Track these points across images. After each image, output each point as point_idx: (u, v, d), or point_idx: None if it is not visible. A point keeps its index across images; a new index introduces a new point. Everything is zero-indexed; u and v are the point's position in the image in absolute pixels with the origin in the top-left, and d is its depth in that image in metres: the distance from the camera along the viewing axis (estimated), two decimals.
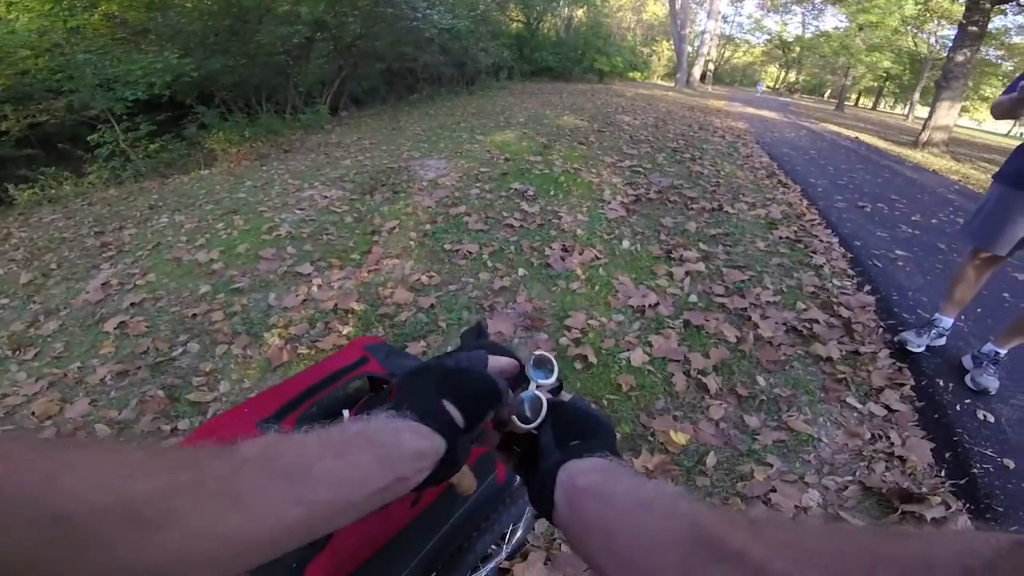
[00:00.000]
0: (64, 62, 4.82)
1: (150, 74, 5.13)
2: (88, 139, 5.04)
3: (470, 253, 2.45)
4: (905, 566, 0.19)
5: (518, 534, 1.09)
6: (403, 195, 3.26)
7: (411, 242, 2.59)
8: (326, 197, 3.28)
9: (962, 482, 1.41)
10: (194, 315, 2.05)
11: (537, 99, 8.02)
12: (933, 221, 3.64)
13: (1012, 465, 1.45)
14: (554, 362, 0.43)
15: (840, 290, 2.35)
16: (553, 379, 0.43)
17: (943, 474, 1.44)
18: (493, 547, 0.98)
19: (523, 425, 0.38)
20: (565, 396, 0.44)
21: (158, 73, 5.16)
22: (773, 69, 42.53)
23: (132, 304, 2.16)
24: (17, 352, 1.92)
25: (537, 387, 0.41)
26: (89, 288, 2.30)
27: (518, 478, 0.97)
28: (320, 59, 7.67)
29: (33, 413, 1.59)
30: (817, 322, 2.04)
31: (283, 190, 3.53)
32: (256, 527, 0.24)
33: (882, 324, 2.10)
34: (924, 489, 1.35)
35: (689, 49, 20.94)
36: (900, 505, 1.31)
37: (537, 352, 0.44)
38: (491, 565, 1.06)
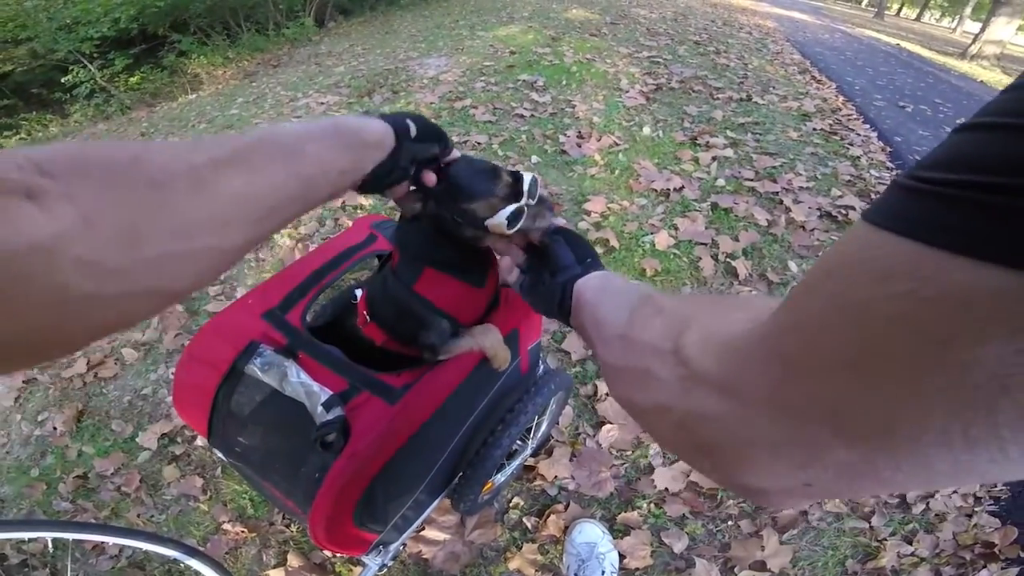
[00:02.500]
0: (14, 11, 4.56)
1: (111, 10, 4.78)
2: (63, 81, 4.80)
3: (479, 144, 2.26)
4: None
5: (543, 428, 1.06)
6: (403, 94, 2.99)
7: None
8: (322, 103, 3.04)
9: None
10: None
11: None
12: None
13: None
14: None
15: (878, 180, 2.19)
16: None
17: None
18: (519, 443, 0.96)
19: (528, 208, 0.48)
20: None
21: (120, 8, 4.80)
22: None
23: None
24: None
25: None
26: None
27: (542, 367, 0.92)
28: None
29: None
30: (853, 208, 1.92)
31: (276, 102, 3.29)
32: (264, 191, 0.28)
33: None
34: None
35: None
36: None
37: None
38: (517, 462, 1.05)
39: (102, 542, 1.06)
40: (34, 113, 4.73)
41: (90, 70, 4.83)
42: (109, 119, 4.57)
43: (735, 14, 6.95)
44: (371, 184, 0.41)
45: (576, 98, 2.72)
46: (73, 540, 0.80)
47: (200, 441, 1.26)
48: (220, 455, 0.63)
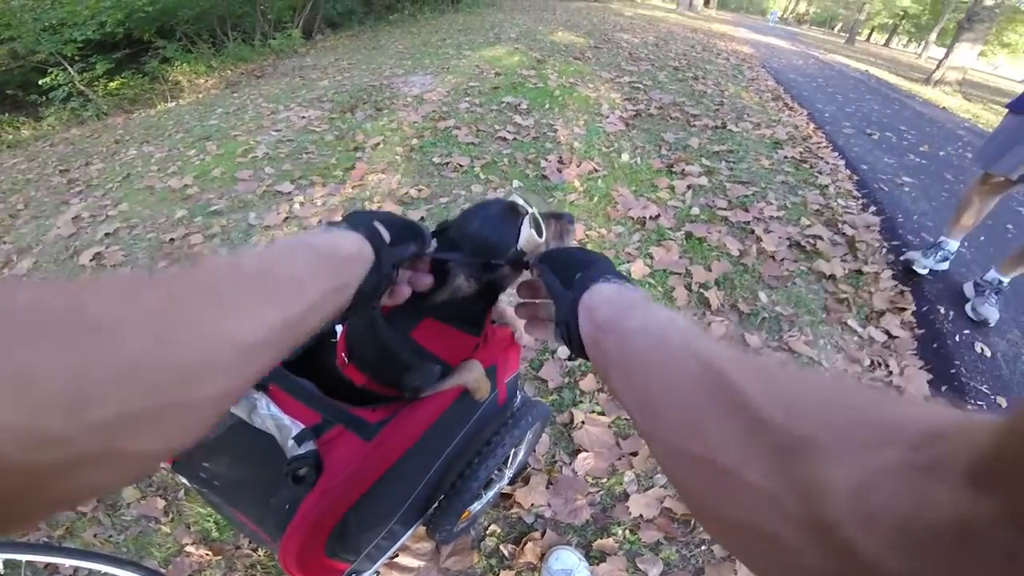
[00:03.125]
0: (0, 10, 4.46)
1: (98, 13, 4.75)
2: (40, 83, 4.72)
3: (461, 166, 2.29)
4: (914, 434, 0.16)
5: (519, 457, 1.06)
6: (387, 111, 3.01)
7: (397, 157, 2.41)
8: (303, 117, 3.04)
9: None
10: (171, 240, 1.94)
11: (529, 15, 7.32)
12: (941, 153, 3.53)
13: (1004, 404, 1.42)
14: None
15: (845, 209, 2.28)
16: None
17: None
18: (495, 473, 0.95)
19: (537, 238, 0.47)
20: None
21: (107, 11, 4.77)
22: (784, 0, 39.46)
23: (106, 235, 2.03)
24: None
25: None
26: (60, 223, 2.16)
27: (519, 398, 0.94)
28: None
29: None
30: (821, 238, 2.00)
31: (257, 114, 3.28)
32: (235, 331, 0.24)
33: (886, 244, 2.06)
34: None
35: None
36: None
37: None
38: (493, 491, 1.05)
39: (56, 564, 1.01)
40: (6, 115, 4.59)
41: (70, 73, 4.76)
42: (84, 124, 4.48)
43: (714, 40, 7.22)
44: (361, 304, 0.36)
45: (558, 122, 2.79)
46: (26, 561, 0.76)
47: (162, 464, 1.23)
48: (183, 480, 0.62)
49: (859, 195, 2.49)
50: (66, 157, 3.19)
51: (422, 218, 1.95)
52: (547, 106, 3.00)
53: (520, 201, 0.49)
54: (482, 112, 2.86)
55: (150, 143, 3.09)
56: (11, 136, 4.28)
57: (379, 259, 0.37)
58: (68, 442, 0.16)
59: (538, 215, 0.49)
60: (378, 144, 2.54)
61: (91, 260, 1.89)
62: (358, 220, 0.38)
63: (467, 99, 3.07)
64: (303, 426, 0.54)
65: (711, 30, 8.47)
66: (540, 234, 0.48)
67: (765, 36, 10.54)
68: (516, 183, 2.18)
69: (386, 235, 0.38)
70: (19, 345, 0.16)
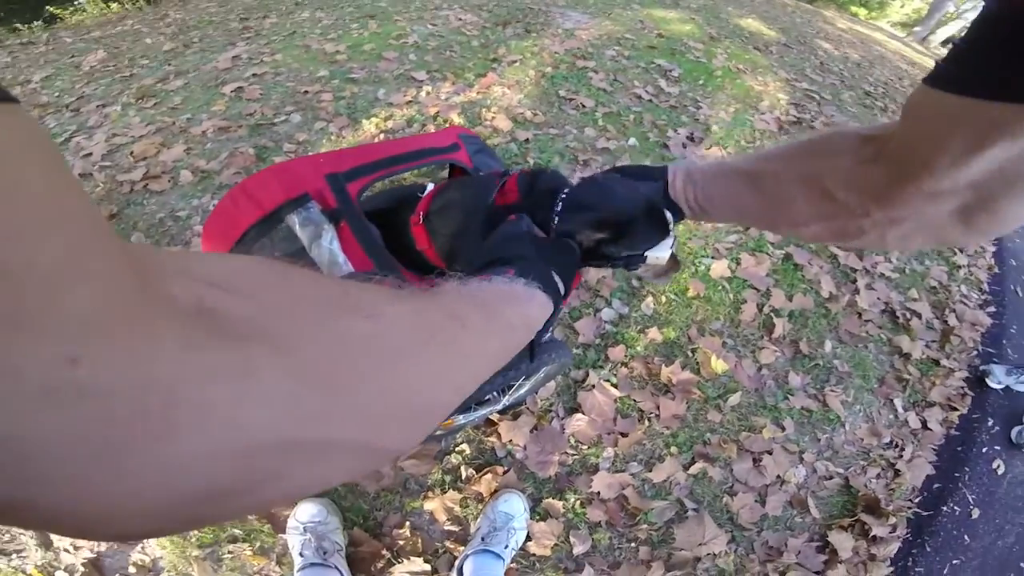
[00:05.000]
0: None
1: None
2: None
3: (583, 106, 2.20)
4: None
5: (522, 391, 1.04)
6: (535, 35, 2.95)
7: (527, 78, 2.38)
8: (460, 19, 3.08)
9: (925, 514, 1.32)
10: (305, 92, 2.11)
11: None
12: None
13: (976, 515, 1.40)
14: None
15: (962, 298, 1.93)
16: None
17: (917, 501, 1.34)
18: (494, 394, 0.95)
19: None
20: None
21: None
22: None
23: (254, 75, 2.25)
24: (140, 100, 2.10)
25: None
26: (220, 59, 2.42)
27: (550, 333, 0.91)
28: None
29: (131, 153, 1.75)
30: (919, 316, 1.73)
31: (422, 5, 3.38)
32: (477, 348, 0.26)
33: (980, 349, 1.77)
34: (890, 507, 1.25)
35: (951, 7, 15.67)
36: (860, 513, 1.23)
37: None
38: (484, 411, 1.03)
39: None
40: None
41: None
42: None
43: None
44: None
45: (706, 101, 2.54)
46: None
47: None
48: None
49: (987, 290, 2.07)
50: (250, 8, 3.54)
51: (527, 140, 1.93)
52: (701, 81, 2.73)
53: (670, 217, 0.49)
54: (627, 65, 2.69)
55: (323, 10, 3.30)
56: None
57: (555, 315, 0.41)
58: (326, 421, 0.15)
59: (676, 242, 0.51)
60: (515, 62, 2.52)
61: (232, 91, 2.10)
62: (543, 275, 0.39)
63: (617, 48, 2.89)
64: (353, 269, 0.54)
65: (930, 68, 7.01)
66: (663, 261, 0.50)
67: None
68: (633, 140, 2.06)
69: (562, 289, 0.42)
70: (293, 320, 0.16)
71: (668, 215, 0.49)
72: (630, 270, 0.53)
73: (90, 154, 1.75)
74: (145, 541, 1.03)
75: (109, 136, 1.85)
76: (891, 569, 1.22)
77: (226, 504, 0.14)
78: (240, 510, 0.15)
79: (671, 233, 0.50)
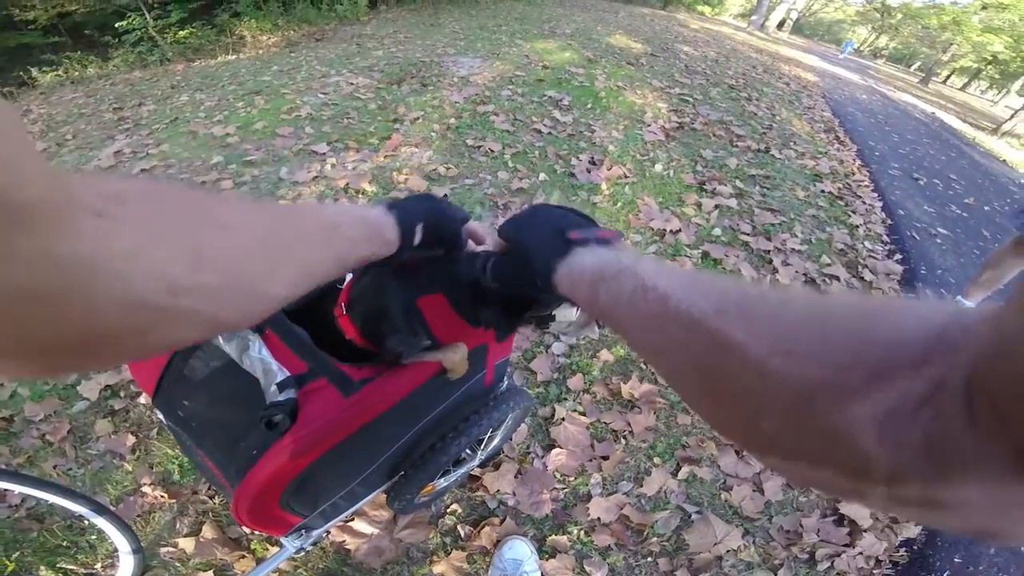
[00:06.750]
0: None
1: None
2: (116, 26, 4.99)
3: (492, 151, 2.32)
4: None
5: (495, 442, 1.06)
6: (432, 88, 3.06)
7: (433, 133, 2.46)
8: (352, 84, 3.11)
9: None
10: (203, 183, 2.03)
11: (589, 14, 7.22)
12: (986, 208, 3.35)
13: None
14: None
15: (869, 253, 2.22)
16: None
17: None
18: (468, 452, 0.95)
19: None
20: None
21: None
22: (863, 31, 37.43)
23: (143, 171, 2.12)
24: None
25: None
26: (102, 156, 2.27)
27: (505, 383, 0.94)
28: None
29: None
30: (837, 279, 1.95)
31: (309, 75, 3.38)
32: (308, 256, 0.32)
33: (900, 294, 2.00)
34: None
35: None
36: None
37: None
38: (463, 470, 1.04)
39: (5, 489, 0.90)
40: (79, 53, 4.89)
41: (145, 19, 5.02)
42: (146, 68, 4.71)
43: (779, 63, 6.96)
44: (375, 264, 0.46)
45: (598, 123, 2.77)
46: None
47: (143, 399, 1.24)
48: (161, 416, 0.64)
49: (888, 240, 2.41)
50: (122, 96, 3.36)
51: (445, 195, 2.00)
52: (589, 105, 2.99)
53: None
54: (523, 102, 2.87)
55: (203, 91, 3.21)
56: (77, 73, 4.53)
57: (400, 251, 0.45)
58: (188, 293, 0.21)
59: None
60: (417, 119, 2.59)
61: None
62: (407, 206, 0.45)
63: (510, 87, 3.08)
64: (289, 374, 0.54)
65: (778, 53, 8.16)
66: (573, 317, 0.51)
67: (834, 66, 10.08)
68: (543, 176, 2.20)
69: (418, 238, 0.46)
70: (159, 217, 0.22)
71: None
72: (543, 330, 0.58)
73: None
74: None
75: None
76: (920, 527, 1.22)
77: (121, 344, 0.20)
78: (131, 351, 0.21)
79: None
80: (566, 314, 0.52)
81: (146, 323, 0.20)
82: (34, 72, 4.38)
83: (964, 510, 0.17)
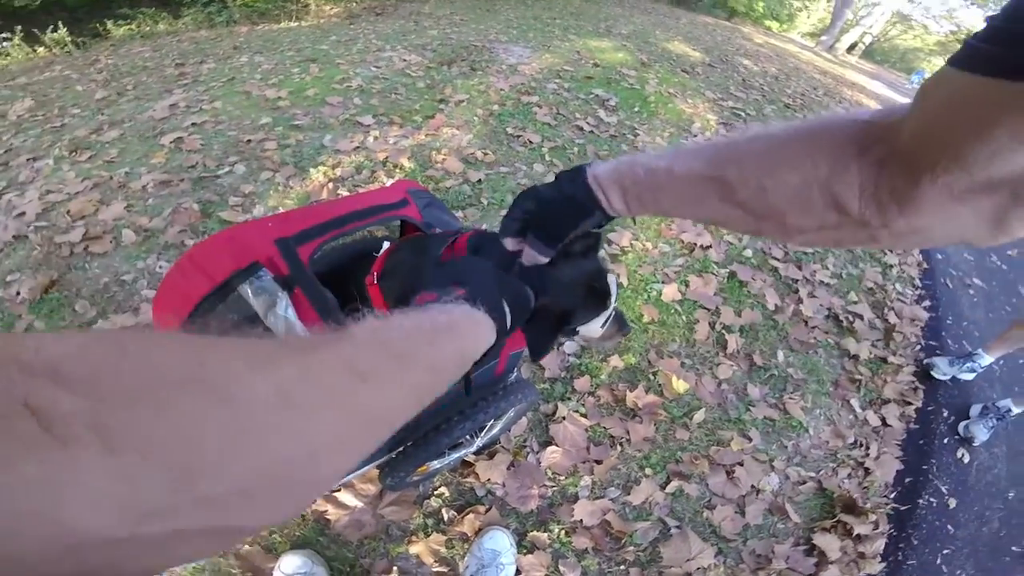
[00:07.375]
0: None
1: None
2: None
3: (531, 142, 2.31)
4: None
5: (494, 431, 1.08)
6: (480, 72, 3.06)
7: (475, 117, 2.46)
8: (404, 60, 3.14)
9: (903, 508, 1.38)
10: (248, 141, 2.08)
11: (649, 17, 7.03)
12: None
13: (952, 504, 1.44)
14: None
15: (899, 296, 2.13)
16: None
17: (892, 496, 1.41)
18: (467, 437, 0.96)
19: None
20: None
21: None
22: (940, 61, 35.07)
23: (193, 124, 2.19)
24: (73, 153, 1.97)
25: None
26: (157, 107, 2.35)
27: (515, 374, 0.94)
28: None
29: (68, 211, 1.63)
30: (861, 317, 1.89)
31: (364, 48, 3.43)
32: (379, 403, 0.24)
33: (922, 342, 1.93)
34: (868, 505, 1.32)
35: (849, 14, 17.42)
36: (839, 514, 1.29)
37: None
38: (458, 454, 1.06)
39: None
40: (153, 9, 4.98)
41: None
42: (213, 28, 4.83)
43: (842, 87, 6.63)
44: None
45: (643, 128, 2.72)
46: None
47: None
48: None
49: (919, 285, 2.30)
50: (186, 53, 3.46)
51: (479, 181, 2.00)
52: (636, 109, 2.93)
53: (614, 291, 0.52)
54: (568, 97, 2.84)
55: (262, 54, 3.28)
56: (148, 28, 4.66)
57: (498, 346, 0.40)
58: (169, 515, 0.15)
59: (616, 314, 0.54)
60: (462, 101, 2.60)
61: (171, 142, 2.02)
62: (492, 300, 0.39)
63: (557, 80, 3.05)
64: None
65: (843, 76, 7.77)
66: (596, 334, 0.53)
67: (900, 95, 9.54)
68: None
69: (509, 320, 0.41)
70: (119, 412, 0.14)
71: (611, 285, 0.52)
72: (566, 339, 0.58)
73: (23, 213, 1.63)
74: None
75: (43, 193, 1.71)
76: (883, 565, 1.23)
77: None
78: None
79: (609, 307, 0.53)
80: (591, 329, 0.52)
81: (103, 560, 0.14)
82: (109, 24, 4.55)
83: (927, 231, 0.33)
